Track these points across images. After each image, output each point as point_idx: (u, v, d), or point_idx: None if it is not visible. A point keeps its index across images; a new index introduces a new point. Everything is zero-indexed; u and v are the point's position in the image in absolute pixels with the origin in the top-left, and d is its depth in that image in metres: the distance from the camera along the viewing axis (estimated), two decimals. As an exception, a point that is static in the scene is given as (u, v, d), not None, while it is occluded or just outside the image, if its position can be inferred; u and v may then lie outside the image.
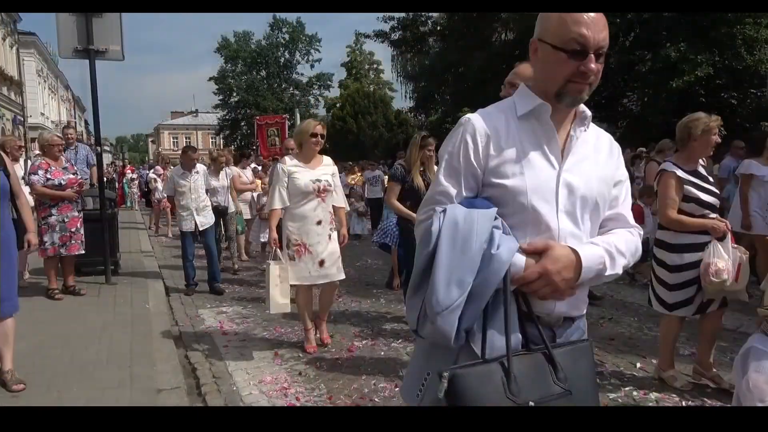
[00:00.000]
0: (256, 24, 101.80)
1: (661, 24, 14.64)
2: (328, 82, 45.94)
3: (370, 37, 23.73)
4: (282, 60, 46.28)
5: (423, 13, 21.68)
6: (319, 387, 3.74)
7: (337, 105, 33.48)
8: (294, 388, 3.71)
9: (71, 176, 5.91)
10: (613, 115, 17.88)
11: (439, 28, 21.90)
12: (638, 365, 3.95)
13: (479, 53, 17.74)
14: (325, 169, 4.36)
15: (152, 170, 14.53)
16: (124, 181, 19.67)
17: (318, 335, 4.59)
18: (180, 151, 6.98)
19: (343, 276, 4.39)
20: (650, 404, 3.39)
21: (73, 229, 5.87)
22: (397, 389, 3.64)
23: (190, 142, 62.77)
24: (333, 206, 4.40)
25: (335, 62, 75.46)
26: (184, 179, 6.47)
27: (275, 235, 4.26)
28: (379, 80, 43.25)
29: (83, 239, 6.01)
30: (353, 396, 3.57)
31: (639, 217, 6.09)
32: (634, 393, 3.54)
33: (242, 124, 44.93)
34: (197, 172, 6.58)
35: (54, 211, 5.76)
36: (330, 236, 4.30)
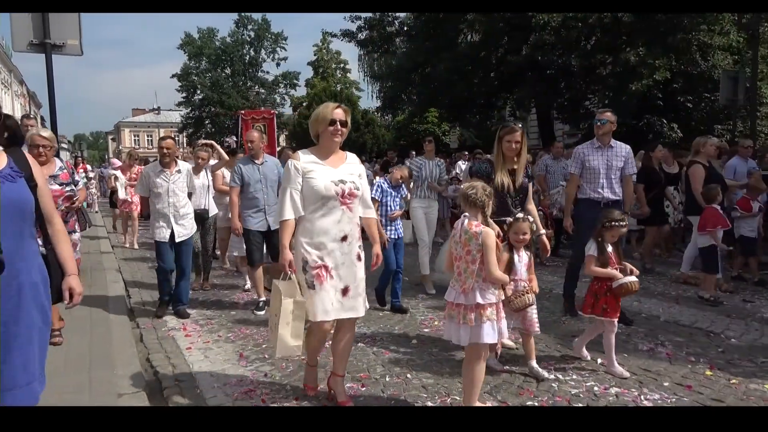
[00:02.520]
0: (221, 21, 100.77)
1: (621, 29, 15.06)
2: (295, 81, 45.66)
3: (336, 36, 23.56)
4: (247, 58, 45.75)
5: (390, 13, 21.72)
6: (285, 388, 3.70)
7: (304, 104, 33.30)
8: (260, 390, 3.67)
9: (56, 187, 4.46)
10: (576, 116, 18.31)
11: (405, 28, 21.96)
12: (599, 361, 4.05)
13: (446, 54, 17.88)
14: (351, 168, 3.32)
15: (111, 166, 13.92)
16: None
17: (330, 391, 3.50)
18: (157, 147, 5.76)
19: (364, 311, 3.35)
20: (610, 398, 3.48)
21: None
22: (364, 389, 3.64)
23: (152, 140, 61.47)
24: (360, 217, 3.41)
25: (302, 61, 75.40)
26: (161, 178, 5.39)
27: (290, 255, 3.18)
28: (346, 80, 43.13)
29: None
30: (320, 397, 3.55)
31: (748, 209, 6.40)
32: (595, 388, 3.63)
33: (206, 122, 44.22)
34: (179, 171, 5.48)
35: None
36: (359, 256, 3.30)
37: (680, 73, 14.44)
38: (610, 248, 3.95)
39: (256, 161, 5.58)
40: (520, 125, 4.15)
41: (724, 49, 14.30)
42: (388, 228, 5.59)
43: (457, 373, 3.89)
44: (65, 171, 4.66)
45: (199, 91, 44.29)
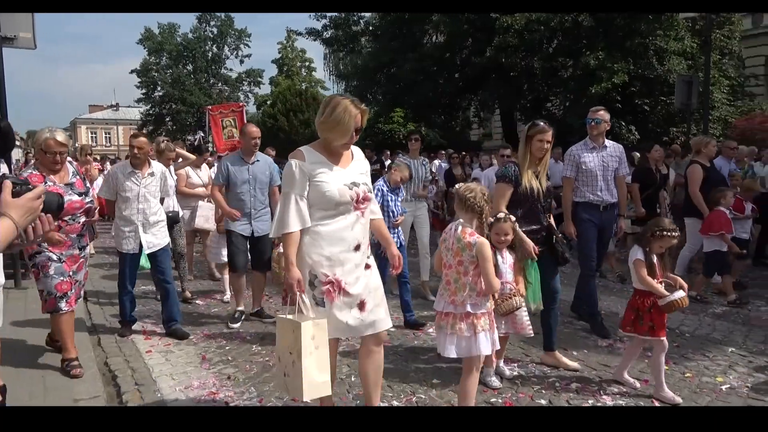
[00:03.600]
0: (183, 16, 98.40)
1: (581, 33, 15.44)
2: (259, 79, 45.08)
3: (301, 35, 23.45)
4: (210, 54, 44.92)
5: (355, 13, 21.70)
6: (249, 390, 3.65)
7: (268, 102, 32.90)
8: (223, 392, 3.61)
9: (75, 198, 3.82)
10: (538, 118, 18.65)
11: (371, 28, 21.99)
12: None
13: (411, 55, 17.97)
14: (360, 166, 2.93)
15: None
16: None
17: None
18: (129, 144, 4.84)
19: (391, 323, 2.98)
20: (571, 394, 3.56)
21: (71, 273, 3.87)
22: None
23: (110, 138, 59.76)
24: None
25: (266, 58, 74.28)
26: (132, 181, 4.62)
27: (298, 273, 2.71)
28: (311, 78, 42.85)
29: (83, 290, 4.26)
30: (285, 398, 3.52)
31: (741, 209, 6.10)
32: (557, 384, 3.70)
33: (167, 119, 43.25)
34: (152, 174, 4.72)
35: (45, 246, 3.79)
36: (368, 265, 2.91)
37: (638, 77, 14.90)
38: (655, 259, 3.56)
39: (247, 160, 5.01)
40: (549, 123, 3.82)
41: (678, 54, 14.83)
42: (391, 233, 4.97)
43: (422, 372, 3.92)
44: (79, 177, 3.95)
45: (159, 88, 43.27)
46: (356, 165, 2.91)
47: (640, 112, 15.77)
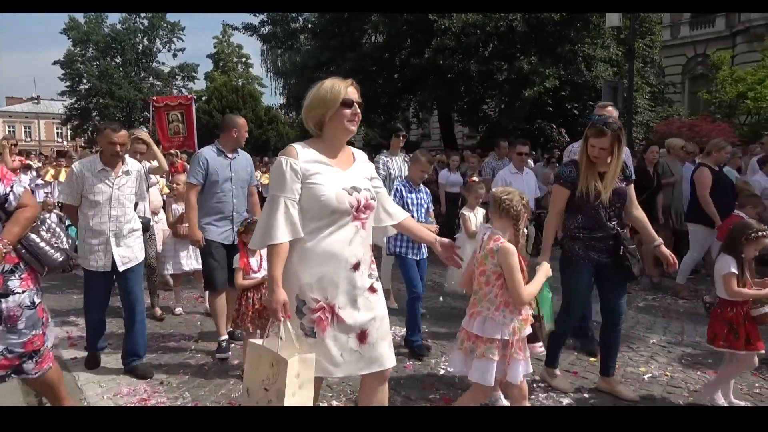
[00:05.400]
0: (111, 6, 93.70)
1: (515, 38, 15.97)
2: (193, 74, 43.70)
3: (238, 30, 22.91)
4: (140, 47, 43.12)
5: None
6: (183, 395, 3.54)
7: (203, 98, 31.96)
8: (155, 399, 3.48)
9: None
10: (475, 119, 19.14)
11: (310, 26, 21.78)
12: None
13: (350, 54, 17.96)
14: (363, 170, 2.46)
15: None
16: None
17: None
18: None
19: (395, 360, 2.45)
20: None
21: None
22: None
23: (30, 132, 56.18)
24: (391, 226, 2.58)
25: (201, 53, 72.22)
26: (103, 181, 3.76)
27: (284, 295, 2.21)
28: (248, 75, 42.03)
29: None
30: (221, 402, 3.43)
31: None
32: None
33: (94, 114, 41.20)
34: (127, 173, 3.86)
35: None
36: (374, 288, 2.38)
37: (568, 82, 15.61)
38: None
39: (228, 154, 4.27)
40: (613, 127, 3.22)
41: (605, 61, 15.67)
42: (410, 245, 4.28)
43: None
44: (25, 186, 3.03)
45: (85, 80, 41.13)
46: (358, 168, 2.43)
47: (570, 116, 16.52)
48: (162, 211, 5.88)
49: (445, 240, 2.56)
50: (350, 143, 2.59)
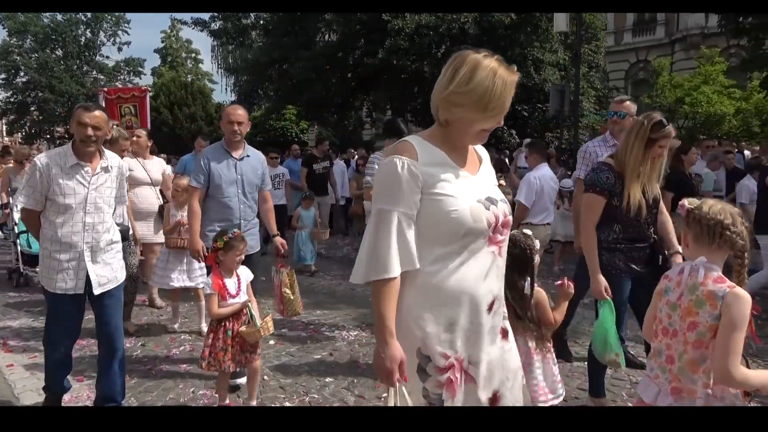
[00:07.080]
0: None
1: (467, 41, 16.23)
2: (139, 69, 42.32)
3: (187, 24, 22.37)
4: (83, 39, 41.40)
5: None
6: (129, 401, 3.41)
7: (150, 94, 31.06)
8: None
9: None
10: (428, 120, 19.31)
11: (262, 22, 21.48)
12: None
13: (303, 52, 17.82)
14: (492, 174, 1.88)
15: None
16: None
17: None
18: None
19: None
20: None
21: None
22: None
23: (-39, 127, 52.95)
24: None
25: (148, 47, 70.09)
26: (76, 179, 2.96)
27: (400, 352, 1.61)
28: (197, 71, 41.04)
29: None
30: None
31: None
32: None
33: (32, 108, 39.29)
34: (106, 169, 3.06)
35: None
36: (505, 331, 1.80)
37: (517, 85, 15.98)
38: None
39: (233, 153, 3.78)
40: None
41: (553, 65, 16.18)
42: None
43: (315, 371, 3.90)
44: None
45: (23, 73, 39.17)
46: (487, 172, 1.83)
47: (520, 118, 16.93)
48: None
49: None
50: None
